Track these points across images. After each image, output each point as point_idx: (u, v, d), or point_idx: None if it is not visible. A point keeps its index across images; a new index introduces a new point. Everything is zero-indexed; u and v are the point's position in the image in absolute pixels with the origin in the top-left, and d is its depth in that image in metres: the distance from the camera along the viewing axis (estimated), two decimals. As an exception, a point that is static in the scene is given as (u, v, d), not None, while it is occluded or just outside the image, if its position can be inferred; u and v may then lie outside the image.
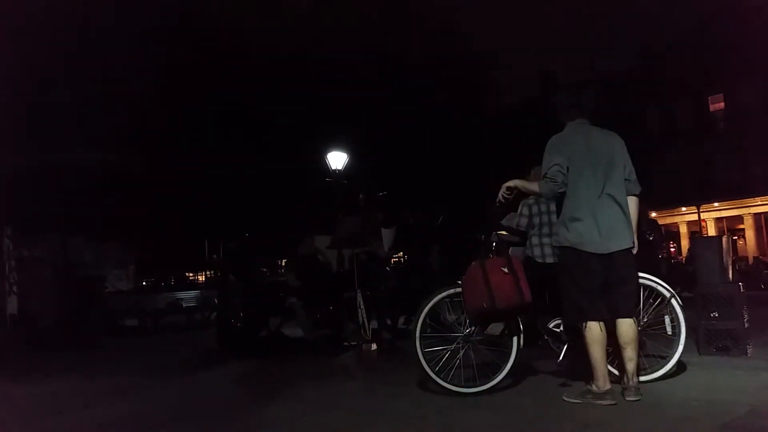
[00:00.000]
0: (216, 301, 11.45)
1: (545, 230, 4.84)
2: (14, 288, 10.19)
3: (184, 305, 15.84)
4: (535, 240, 4.87)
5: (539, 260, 4.73)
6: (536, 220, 4.94)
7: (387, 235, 7.46)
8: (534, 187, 3.95)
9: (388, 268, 8.09)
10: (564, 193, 3.83)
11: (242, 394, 5.04)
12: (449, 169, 28.70)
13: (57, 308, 9.75)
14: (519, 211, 5.04)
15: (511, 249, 5.02)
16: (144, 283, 30.78)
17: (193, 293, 17.60)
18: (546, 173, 3.83)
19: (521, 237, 5.16)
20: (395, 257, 10.42)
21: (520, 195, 4.27)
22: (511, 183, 4.06)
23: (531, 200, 4.94)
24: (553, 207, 4.69)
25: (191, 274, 47.00)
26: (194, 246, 33.30)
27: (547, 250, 4.77)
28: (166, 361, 7.62)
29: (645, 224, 7.94)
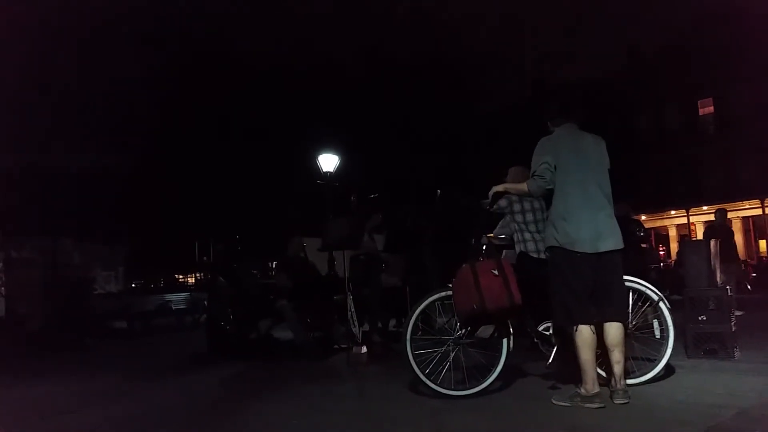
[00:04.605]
0: (206, 303, 11.40)
1: (539, 226, 4.83)
2: (2, 290, 10.11)
3: (173, 307, 15.76)
4: (527, 235, 4.86)
5: (534, 255, 4.72)
6: (524, 217, 4.93)
7: (377, 238, 7.46)
8: (522, 187, 4.00)
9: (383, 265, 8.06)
10: (552, 192, 3.86)
11: (231, 396, 5.02)
12: (440, 170, 28.76)
13: (45, 310, 9.69)
14: (498, 203, 5.04)
15: (504, 252, 5.03)
16: (133, 285, 30.54)
17: (182, 295, 17.46)
18: (535, 171, 3.87)
19: (507, 233, 5.16)
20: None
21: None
22: (499, 187, 4.10)
23: (515, 197, 4.92)
24: (543, 203, 4.69)
25: (181, 276, 46.80)
26: (184, 248, 33.18)
27: (541, 246, 4.77)
28: (155, 364, 7.59)
29: (632, 224, 8.02)
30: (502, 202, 4.98)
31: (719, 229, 9.42)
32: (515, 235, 4.94)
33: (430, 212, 7.99)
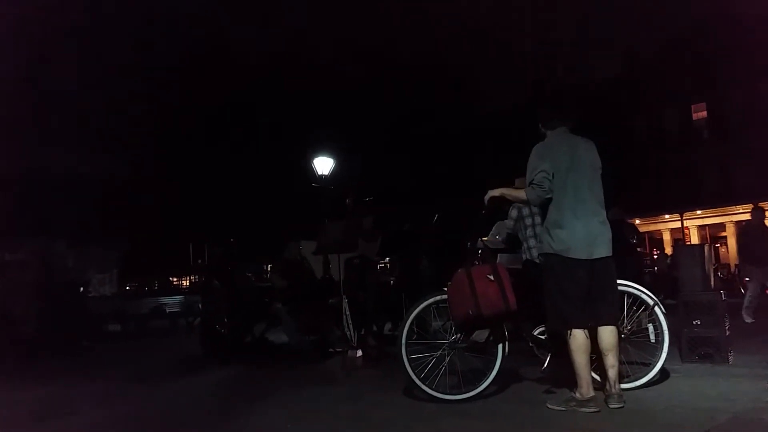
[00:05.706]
0: (200, 306, 11.38)
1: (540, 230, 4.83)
2: (-5, 292, 10.05)
3: (167, 310, 15.75)
4: (532, 242, 4.87)
5: (539, 261, 4.73)
6: (533, 220, 4.93)
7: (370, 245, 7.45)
8: (520, 194, 3.98)
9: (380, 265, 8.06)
10: (550, 199, 3.86)
11: (226, 400, 5.00)
12: (437, 173, 28.78)
13: (39, 313, 9.64)
14: (509, 214, 5.05)
15: (498, 256, 5.04)
16: (128, 288, 30.45)
17: (177, 298, 17.46)
18: (532, 180, 3.86)
19: (510, 243, 5.17)
20: (381, 263, 10.40)
21: (504, 203, 4.30)
22: (495, 192, 4.09)
23: (520, 203, 4.94)
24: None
25: (175, 279, 46.62)
26: (179, 250, 33.07)
27: None
28: (149, 367, 7.56)
29: (626, 229, 8.04)
30: (513, 213, 5.00)
31: (757, 228, 8.71)
32: (522, 243, 4.95)
33: (427, 228, 8.03)
